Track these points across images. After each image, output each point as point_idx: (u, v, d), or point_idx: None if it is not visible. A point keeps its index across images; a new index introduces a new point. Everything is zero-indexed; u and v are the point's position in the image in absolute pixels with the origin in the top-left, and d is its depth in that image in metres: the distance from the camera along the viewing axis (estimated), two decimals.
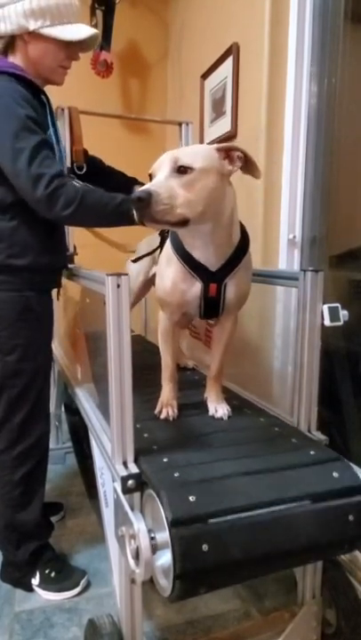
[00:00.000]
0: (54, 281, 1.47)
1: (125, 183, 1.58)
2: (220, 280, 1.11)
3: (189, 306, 1.15)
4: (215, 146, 1.01)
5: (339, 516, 0.91)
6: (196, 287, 1.11)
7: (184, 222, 0.97)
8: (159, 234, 1.36)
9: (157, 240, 1.38)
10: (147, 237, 1.54)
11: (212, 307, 1.14)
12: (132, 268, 1.52)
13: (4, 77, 1.24)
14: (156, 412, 1.24)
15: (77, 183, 1.24)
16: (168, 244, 1.17)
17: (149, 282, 1.51)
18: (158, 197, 0.92)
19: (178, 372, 1.32)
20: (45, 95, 1.37)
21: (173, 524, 0.80)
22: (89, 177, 1.52)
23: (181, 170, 0.96)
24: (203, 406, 1.29)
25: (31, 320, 1.35)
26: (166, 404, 1.25)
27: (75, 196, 1.19)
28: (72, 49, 1.33)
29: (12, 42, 1.30)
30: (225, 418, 1.22)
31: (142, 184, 1.55)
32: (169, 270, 1.14)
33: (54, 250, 1.41)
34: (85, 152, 1.60)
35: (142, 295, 1.60)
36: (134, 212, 0.99)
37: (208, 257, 1.09)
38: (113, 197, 1.24)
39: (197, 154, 0.99)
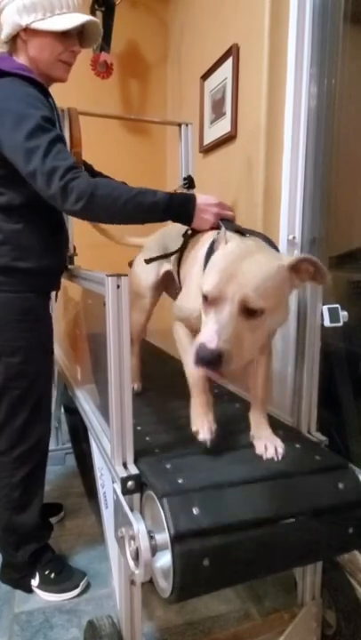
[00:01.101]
0: (55, 283, 1.47)
1: None
2: None
3: None
4: (287, 263, 0.85)
5: (339, 528, 0.91)
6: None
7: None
8: (183, 235, 1.25)
9: (176, 239, 1.28)
10: (155, 234, 1.47)
11: None
12: (139, 270, 1.45)
13: (14, 80, 1.23)
14: (193, 429, 1.05)
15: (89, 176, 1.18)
16: (200, 262, 1.04)
17: (162, 282, 1.43)
18: (230, 355, 0.79)
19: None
20: (52, 98, 1.37)
21: (176, 539, 0.79)
22: None
23: (250, 312, 0.81)
24: (229, 422, 1.18)
25: (33, 322, 1.35)
26: (204, 416, 1.06)
27: (86, 189, 1.11)
28: (69, 40, 1.30)
29: (14, 44, 1.31)
30: (278, 458, 1.02)
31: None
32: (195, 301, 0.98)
33: (57, 252, 1.41)
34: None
35: (156, 302, 1.46)
36: (193, 361, 0.81)
37: None
38: (129, 189, 1.14)
39: (271, 286, 0.81)
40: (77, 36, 1.32)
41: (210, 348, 0.78)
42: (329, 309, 1.13)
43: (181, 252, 1.25)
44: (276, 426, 1.19)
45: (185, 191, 1.79)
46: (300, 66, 1.54)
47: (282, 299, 0.85)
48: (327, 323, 1.13)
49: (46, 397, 1.44)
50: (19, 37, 1.29)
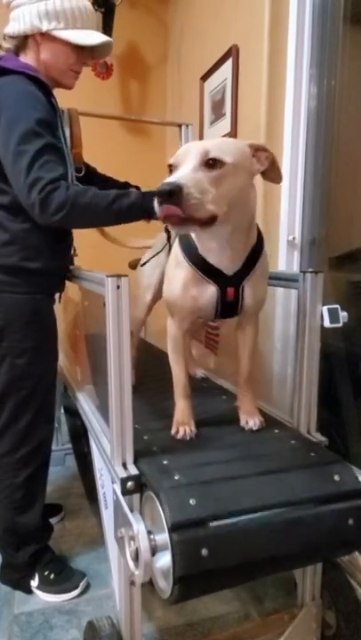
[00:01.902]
0: (60, 284, 1.47)
1: (119, 188, 1.56)
2: (237, 284, 1.06)
3: (203, 311, 1.10)
4: (248, 142, 0.95)
5: (339, 519, 0.91)
6: (210, 291, 1.05)
7: (211, 221, 0.88)
8: (165, 231, 1.28)
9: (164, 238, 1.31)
10: (160, 234, 1.47)
11: (229, 309, 1.09)
12: (144, 267, 1.46)
13: (19, 78, 1.24)
14: (173, 432, 1.12)
15: (73, 186, 1.23)
16: (177, 247, 1.10)
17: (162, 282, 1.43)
18: (189, 191, 0.83)
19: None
20: (55, 98, 1.38)
21: (173, 529, 0.80)
22: (86, 181, 1.53)
23: (210, 163, 0.87)
24: (222, 418, 1.23)
25: (40, 323, 1.35)
26: (182, 422, 1.13)
27: (66, 200, 1.15)
28: (84, 54, 1.35)
29: (24, 42, 1.31)
30: (255, 428, 1.14)
31: (135, 187, 1.56)
32: (179, 275, 1.07)
33: (64, 253, 1.42)
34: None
35: (157, 299, 1.48)
36: (156, 208, 0.87)
37: (224, 260, 1.02)
38: (105, 195, 1.20)
39: (230, 147, 0.90)
40: (90, 50, 1.35)
41: (171, 181, 0.83)
42: (329, 310, 1.13)
43: (169, 246, 1.28)
44: (275, 426, 1.19)
45: None
46: (299, 66, 1.54)
47: (243, 163, 0.92)
48: (327, 323, 1.13)
49: (50, 399, 1.45)
50: (32, 38, 1.30)
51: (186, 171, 0.86)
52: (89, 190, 1.20)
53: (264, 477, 0.93)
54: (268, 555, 0.86)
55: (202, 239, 1.03)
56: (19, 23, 1.28)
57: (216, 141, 0.91)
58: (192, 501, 0.83)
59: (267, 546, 0.86)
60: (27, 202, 1.19)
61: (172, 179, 0.84)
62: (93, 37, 1.32)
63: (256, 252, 1.06)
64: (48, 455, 1.49)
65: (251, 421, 1.15)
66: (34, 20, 1.26)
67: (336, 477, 0.95)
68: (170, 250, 1.23)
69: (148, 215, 1.22)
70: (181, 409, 1.15)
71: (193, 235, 1.05)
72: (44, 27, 1.26)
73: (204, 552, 0.80)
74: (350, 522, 0.91)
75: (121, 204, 1.19)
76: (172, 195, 0.82)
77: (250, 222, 1.02)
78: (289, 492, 0.90)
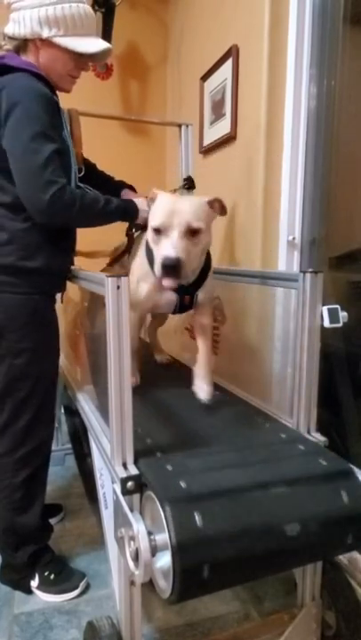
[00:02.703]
0: (61, 285, 1.47)
1: (115, 186, 1.62)
2: (192, 292, 1.32)
3: (163, 310, 1.40)
4: (206, 199, 1.20)
5: (340, 536, 0.91)
6: (170, 298, 1.32)
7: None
8: (126, 234, 1.49)
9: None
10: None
11: (185, 308, 1.37)
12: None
13: (25, 75, 1.25)
14: None
15: (76, 191, 1.27)
16: (143, 257, 1.31)
17: None
18: (184, 261, 1.11)
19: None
20: (57, 95, 1.38)
21: (173, 529, 0.79)
22: (86, 180, 1.53)
23: (191, 232, 1.14)
24: (222, 418, 1.26)
25: (40, 324, 1.35)
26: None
27: (73, 204, 1.23)
28: (82, 60, 1.35)
29: (24, 44, 1.31)
30: (205, 400, 1.29)
31: (130, 187, 1.63)
32: (145, 285, 1.31)
33: (65, 253, 1.42)
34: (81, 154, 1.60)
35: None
36: (158, 273, 1.15)
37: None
38: (97, 200, 1.31)
39: (201, 212, 1.17)
40: (89, 56, 1.35)
41: (172, 256, 1.10)
42: (329, 310, 1.13)
43: (129, 250, 1.50)
44: (275, 426, 1.19)
45: (185, 192, 1.80)
46: (299, 66, 1.54)
47: (208, 223, 1.21)
48: (327, 323, 1.13)
49: (50, 399, 1.44)
50: (32, 42, 1.30)
51: (176, 241, 1.12)
52: (86, 195, 1.29)
53: (270, 491, 0.92)
54: (268, 554, 0.86)
55: None
56: (19, 26, 1.28)
57: (190, 208, 1.15)
58: (197, 517, 0.82)
59: (267, 546, 0.86)
60: (35, 199, 1.20)
61: (171, 253, 1.11)
62: (93, 45, 1.32)
63: (207, 267, 1.33)
64: (48, 456, 1.49)
65: (202, 394, 1.31)
66: (34, 26, 1.26)
67: (344, 495, 0.93)
68: (129, 253, 1.48)
69: (130, 217, 1.39)
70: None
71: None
72: (45, 33, 1.27)
73: (205, 552, 0.80)
74: (349, 538, 0.91)
75: (108, 208, 1.32)
76: (177, 268, 1.10)
77: (205, 252, 1.29)
78: (296, 511, 0.89)
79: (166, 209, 1.14)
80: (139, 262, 1.34)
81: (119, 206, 1.35)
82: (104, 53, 1.37)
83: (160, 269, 1.12)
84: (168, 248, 1.11)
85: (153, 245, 1.20)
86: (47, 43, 1.29)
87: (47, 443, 1.47)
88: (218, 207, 1.23)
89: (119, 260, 1.59)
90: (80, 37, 1.30)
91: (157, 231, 1.15)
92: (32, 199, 1.21)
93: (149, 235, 1.20)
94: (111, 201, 1.33)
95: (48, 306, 1.39)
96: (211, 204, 1.21)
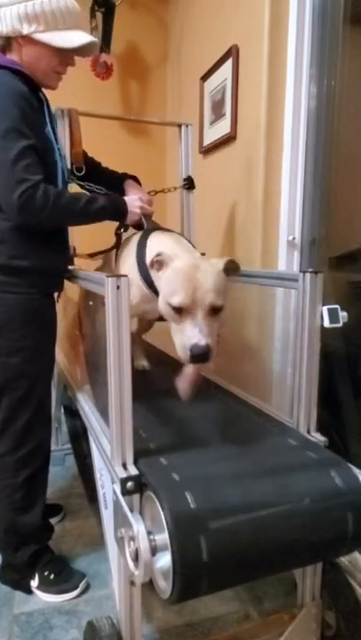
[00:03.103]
0: (58, 284, 1.47)
1: (118, 180, 1.60)
2: None
3: (150, 316, 1.35)
4: (222, 266, 1.09)
5: (338, 517, 0.91)
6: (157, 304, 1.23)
7: None
8: (115, 233, 1.46)
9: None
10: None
11: None
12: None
13: (4, 72, 1.23)
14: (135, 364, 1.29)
15: (52, 188, 1.24)
16: (133, 261, 1.27)
17: None
18: (212, 346, 1.00)
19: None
20: (43, 93, 1.37)
21: (173, 529, 0.79)
22: (88, 178, 1.53)
23: (215, 310, 1.03)
24: (222, 418, 1.27)
25: (37, 323, 1.35)
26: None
27: (46, 204, 1.20)
28: (66, 55, 1.32)
29: (7, 42, 1.30)
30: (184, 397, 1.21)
31: (132, 177, 1.62)
32: (133, 293, 1.20)
33: (58, 252, 1.41)
34: (84, 153, 1.60)
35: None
36: (186, 359, 1.02)
37: None
38: (78, 198, 1.28)
39: (221, 285, 1.06)
40: (73, 50, 1.32)
41: (202, 345, 0.98)
42: (329, 310, 1.13)
43: (117, 249, 1.47)
44: (275, 426, 1.19)
45: (185, 192, 1.80)
46: (299, 66, 1.54)
47: (227, 294, 1.09)
48: (327, 323, 1.13)
49: (47, 399, 1.44)
50: (15, 40, 1.28)
51: (202, 326, 1.00)
52: (63, 194, 1.26)
53: (263, 477, 0.93)
54: (268, 554, 0.86)
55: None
56: (0, 24, 1.26)
57: (212, 285, 1.03)
58: (192, 501, 0.83)
59: (267, 545, 0.86)
60: (7, 199, 1.19)
61: (201, 341, 0.99)
62: (75, 39, 1.29)
63: None
64: (48, 455, 1.49)
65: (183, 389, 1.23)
66: (15, 23, 1.24)
67: (335, 477, 0.95)
68: (117, 251, 1.46)
69: (118, 217, 1.37)
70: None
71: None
72: (25, 30, 1.25)
73: (205, 552, 0.80)
74: (349, 520, 0.91)
75: (90, 208, 1.29)
76: (206, 354, 0.99)
77: None
78: (288, 491, 0.91)
79: (186, 286, 1.01)
80: (129, 265, 1.29)
81: (105, 207, 1.33)
82: (89, 47, 1.33)
83: (188, 357, 1.00)
84: (195, 334, 0.99)
85: (171, 322, 1.07)
86: (29, 39, 1.27)
87: (47, 443, 1.47)
88: (231, 269, 1.12)
89: (104, 255, 1.57)
90: (61, 32, 1.27)
91: (178, 310, 1.02)
92: (4, 197, 1.21)
93: (163, 306, 1.07)
94: (96, 200, 1.31)
95: (46, 305, 1.39)
96: (226, 272, 1.10)
